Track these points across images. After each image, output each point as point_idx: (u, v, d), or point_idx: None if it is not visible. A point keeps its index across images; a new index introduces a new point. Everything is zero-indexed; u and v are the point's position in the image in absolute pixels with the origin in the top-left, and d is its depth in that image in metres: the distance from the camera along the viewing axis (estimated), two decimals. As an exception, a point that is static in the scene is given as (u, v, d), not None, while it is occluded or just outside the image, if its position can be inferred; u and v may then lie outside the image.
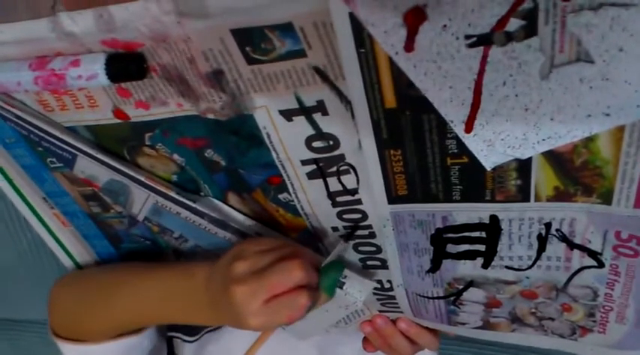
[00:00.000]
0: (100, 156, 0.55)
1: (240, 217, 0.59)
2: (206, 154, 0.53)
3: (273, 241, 0.55)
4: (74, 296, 0.67)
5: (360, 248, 0.59)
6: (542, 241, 0.53)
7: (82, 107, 0.53)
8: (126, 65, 0.46)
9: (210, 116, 0.49)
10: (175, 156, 0.55)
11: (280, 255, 0.52)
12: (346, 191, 0.53)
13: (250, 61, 0.44)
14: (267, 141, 0.50)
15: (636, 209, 0.47)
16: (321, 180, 0.52)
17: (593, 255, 0.53)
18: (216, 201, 0.58)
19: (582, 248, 0.53)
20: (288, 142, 0.50)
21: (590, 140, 0.44)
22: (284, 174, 0.52)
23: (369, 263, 0.61)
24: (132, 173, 0.56)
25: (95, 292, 0.65)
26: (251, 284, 0.50)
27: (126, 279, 0.63)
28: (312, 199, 0.54)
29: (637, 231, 0.50)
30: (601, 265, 0.54)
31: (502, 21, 0.37)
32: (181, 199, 0.57)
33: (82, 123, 0.55)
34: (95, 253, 0.70)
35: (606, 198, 0.48)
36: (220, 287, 0.53)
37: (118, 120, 0.53)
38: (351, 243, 0.58)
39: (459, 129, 0.44)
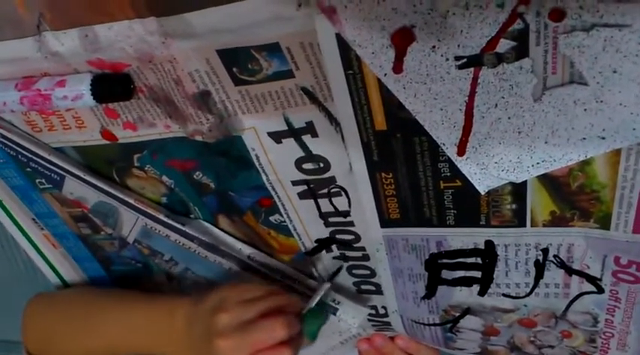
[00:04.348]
0: (88, 177, 0.54)
1: (230, 240, 0.57)
2: (195, 176, 0.52)
3: (256, 289, 0.53)
4: (51, 317, 0.65)
5: (354, 271, 0.58)
6: (540, 267, 0.52)
7: (70, 128, 0.52)
8: (112, 86, 0.46)
9: (198, 138, 0.48)
10: (164, 178, 0.54)
11: (264, 308, 0.51)
12: (338, 213, 0.52)
13: (237, 81, 0.43)
14: (257, 163, 0.49)
15: (635, 234, 0.46)
16: (312, 201, 0.51)
17: (592, 280, 0.52)
18: (207, 224, 0.57)
19: (581, 274, 0.51)
20: (277, 164, 0.49)
21: (586, 164, 0.42)
22: (274, 196, 0.51)
23: (364, 287, 0.60)
24: (120, 195, 0.55)
25: (74, 315, 0.63)
26: (235, 339, 0.50)
27: (106, 307, 0.62)
28: (304, 219, 0.53)
29: (637, 256, 0.48)
30: (600, 291, 0.52)
31: (492, 42, 0.36)
32: (170, 222, 0.55)
33: (70, 144, 0.54)
34: (86, 275, 0.69)
35: (604, 223, 0.46)
36: (203, 336, 0.52)
37: (106, 142, 0.52)
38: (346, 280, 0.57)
39: (451, 152, 0.43)
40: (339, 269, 0.56)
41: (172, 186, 0.54)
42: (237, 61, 0.42)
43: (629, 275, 0.50)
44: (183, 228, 0.56)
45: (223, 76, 0.43)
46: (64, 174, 0.55)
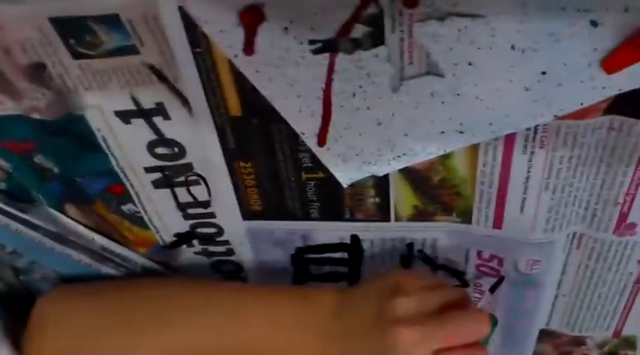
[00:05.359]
0: None
1: (81, 230, 0.52)
2: (35, 160, 0.47)
3: (430, 276, 0.46)
4: (93, 316, 0.50)
5: (220, 267, 0.55)
6: (406, 263, 0.51)
7: None
8: None
9: (36, 116, 0.43)
10: (0, 162, 0.48)
11: (449, 298, 0.43)
12: (197, 203, 0.48)
13: (76, 55, 0.39)
14: (104, 146, 0.44)
15: (495, 229, 0.46)
16: (168, 190, 0.47)
17: (457, 274, 0.52)
18: (53, 212, 0.51)
19: (445, 268, 0.51)
20: (127, 147, 0.44)
21: (446, 157, 0.42)
22: (126, 183, 0.47)
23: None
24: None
25: (140, 312, 0.49)
26: (422, 329, 0.40)
27: (198, 299, 0.49)
28: (160, 210, 0.49)
29: (497, 250, 0.48)
30: (465, 284, 0.53)
31: (347, 26, 0.34)
32: (9, 209, 0.50)
33: None
34: None
35: (466, 218, 0.46)
36: (370, 322, 0.43)
37: None
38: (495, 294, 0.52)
39: (311, 142, 0.41)
40: (500, 281, 0.51)
41: (10, 170, 0.49)
42: (74, 32, 0.37)
43: (490, 269, 0.50)
44: (24, 216, 0.50)
45: (59, 48, 0.38)
46: None
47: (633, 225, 0.45)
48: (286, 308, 0.47)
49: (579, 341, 0.56)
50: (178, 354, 0.47)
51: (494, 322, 0.48)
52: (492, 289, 0.51)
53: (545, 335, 0.56)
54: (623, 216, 0.44)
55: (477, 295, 0.53)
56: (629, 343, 0.56)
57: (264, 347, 0.46)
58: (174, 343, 0.47)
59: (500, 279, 0.50)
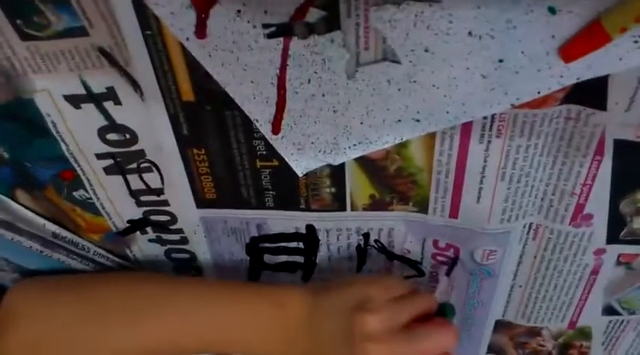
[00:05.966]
0: None
1: (31, 216, 0.51)
2: (-16, 144, 0.45)
3: (401, 285, 0.45)
4: (64, 308, 0.48)
5: (173, 255, 0.54)
6: (362, 253, 0.51)
7: None
8: None
9: (-19, 99, 0.41)
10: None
11: (416, 311, 0.43)
12: (150, 190, 0.47)
13: (24, 36, 0.37)
14: (54, 131, 0.43)
15: (451, 219, 0.46)
16: (120, 176, 0.46)
17: (413, 264, 0.52)
18: (3, 198, 0.50)
19: (402, 258, 0.51)
20: (78, 133, 0.43)
21: (402, 146, 0.41)
22: (78, 169, 0.46)
23: (184, 272, 0.56)
24: None
25: (112, 305, 0.48)
26: (391, 346, 0.41)
27: (169, 294, 0.48)
28: (112, 196, 0.48)
29: (454, 240, 0.48)
30: (421, 274, 0.53)
31: (302, 9, 0.33)
32: (-47, 195, 0.48)
33: None
34: None
35: (422, 207, 0.46)
36: (338, 338, 0.43)
37: None
38: (452, 277, 0.52)
39: (265, 130, 0.40)
40: (454, 262, 0.51)
41: (-45, 154, 0.47)
42: (21, 13, 0.36)
43: (447, 258, 0.50)
44: (-29, 203, 0.48)
45: (7, 29, 0.37)
46: None
47: (589, 216, 0.45)
48: (257, 311, 0.46)
49: (535, 332, 0.57)
50: (149, 348, 0.47)
51: (452, 310, 0.49)
52: (448, 272, 0.51)
53: (501, 325, 0.56)
54: (579, 207, 0.45)
55: (433, 283, 0.53)
56: (585, 334, 0.57)
57: (228, 345, 0.47)
58: (146, 336, 0.47)
59: (454, 261, 0.51)
